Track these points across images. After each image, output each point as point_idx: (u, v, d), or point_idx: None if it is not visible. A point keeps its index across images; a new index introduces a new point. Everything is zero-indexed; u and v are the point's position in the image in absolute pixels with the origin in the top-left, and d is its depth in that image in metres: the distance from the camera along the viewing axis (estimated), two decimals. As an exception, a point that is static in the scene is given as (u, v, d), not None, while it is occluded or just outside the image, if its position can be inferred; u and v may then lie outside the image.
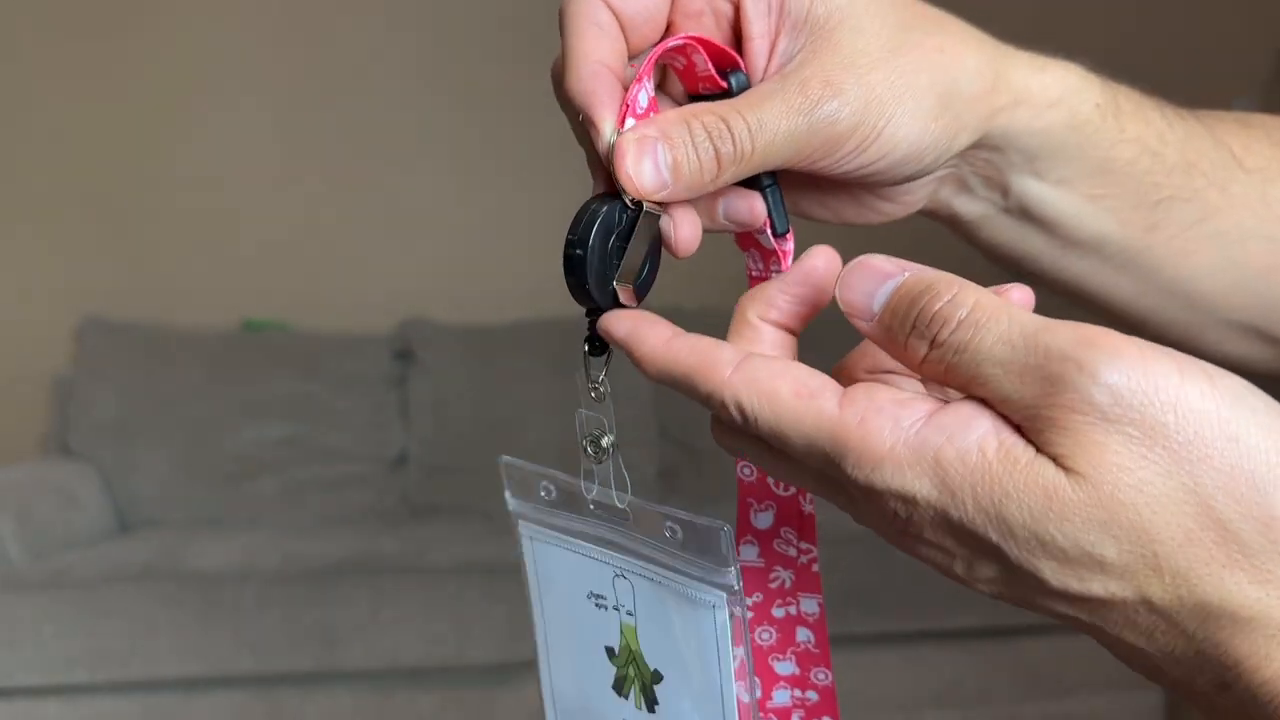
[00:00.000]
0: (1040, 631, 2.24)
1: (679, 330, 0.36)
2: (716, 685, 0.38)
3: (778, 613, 0.42)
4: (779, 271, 0.41)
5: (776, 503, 0.42)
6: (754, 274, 0.42)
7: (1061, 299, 0.48)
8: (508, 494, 0.43)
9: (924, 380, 0.36)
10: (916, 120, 0.38)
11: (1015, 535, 0.30)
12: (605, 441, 0.39)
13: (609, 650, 0.41)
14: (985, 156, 0.42)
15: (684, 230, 0.39)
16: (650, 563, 0.39)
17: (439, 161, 2.98)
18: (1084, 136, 0.42)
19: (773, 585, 0.42)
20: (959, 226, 0.46)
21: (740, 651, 0.41)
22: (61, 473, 2.50)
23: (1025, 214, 0.44)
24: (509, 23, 2.83)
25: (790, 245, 0.41)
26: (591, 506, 0.40)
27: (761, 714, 0.42)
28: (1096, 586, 0.30)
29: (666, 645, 0.39)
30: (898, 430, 0.31)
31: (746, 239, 0.42)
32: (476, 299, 2.94)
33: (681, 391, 0.35)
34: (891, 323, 0.33)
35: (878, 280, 0.33)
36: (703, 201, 0.40)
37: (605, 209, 0.37)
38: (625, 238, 0.37)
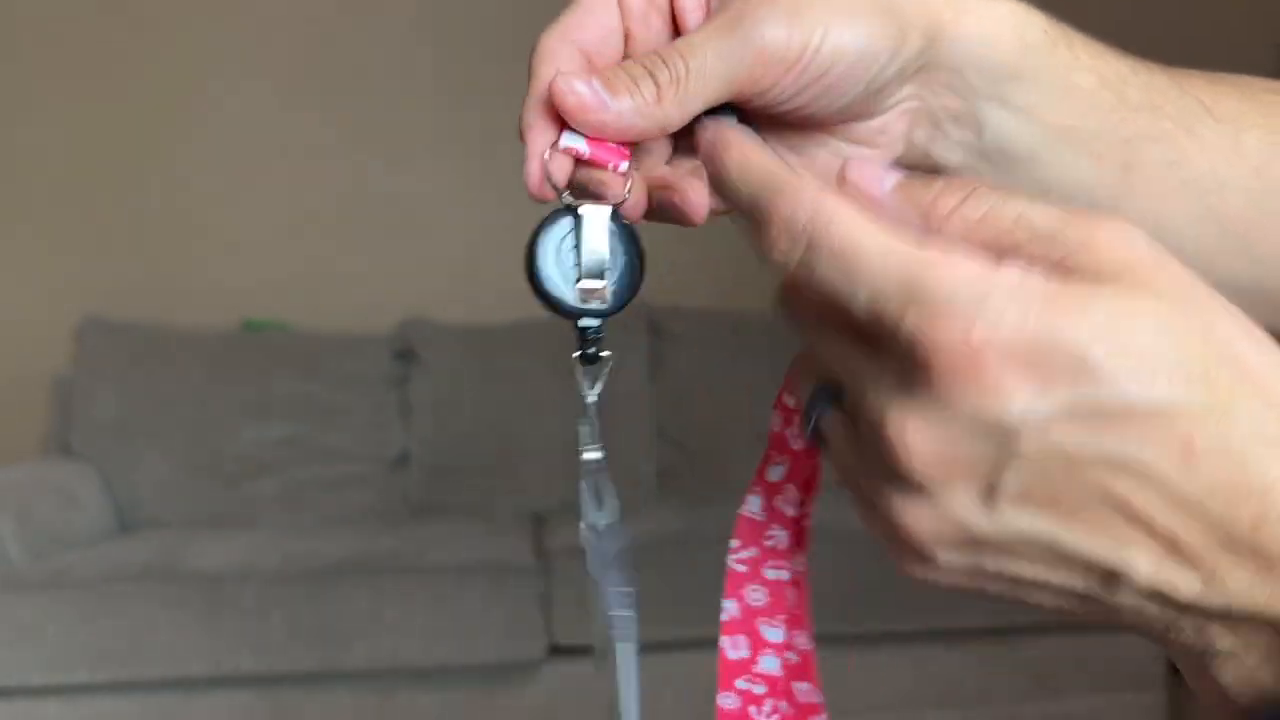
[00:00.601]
0: (1040, 631, 2.24)
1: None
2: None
3: (769, 574, 0.43)
4: None
5: (790, 458, 0.42)
6: None
7: None
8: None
9: None
10: (855, 26, 0.39)
11: (1096, 330, 0.30)
12: (586, 455, 0.41)
13: None
14: (945, 80, 0.42)
15: (692, 196, 0.41)
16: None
17: (439, 161, 2.99)
18: (1039, 59, 0.42)
19: (768, 544, 0.43)
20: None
21: (731, 605, 0.42)
22: (62, 473, 2.50)
23: (1003, 155, 0.44)
24: (510, 22, 2.83)
25: None
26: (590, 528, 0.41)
27: (749, 677, 0.43)
28: (1162, 387, 0.30)
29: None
30: (976, 261, 0.32)
31: None
32: (477, 299, 2.94)
33: (755, 204, 0.35)
34: (912, 184, 0.34)
35: (886, 168, 0.35)
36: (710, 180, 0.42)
37: (548, 220, 0.40)
38: (577, 241, 0.40)
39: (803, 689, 0.43)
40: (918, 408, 0.31)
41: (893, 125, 0.44)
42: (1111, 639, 2.25)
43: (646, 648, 0.38)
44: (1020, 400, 0.30)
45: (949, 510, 0.32)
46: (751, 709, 0.43)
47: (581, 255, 0.39)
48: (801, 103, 0.41)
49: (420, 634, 2.10)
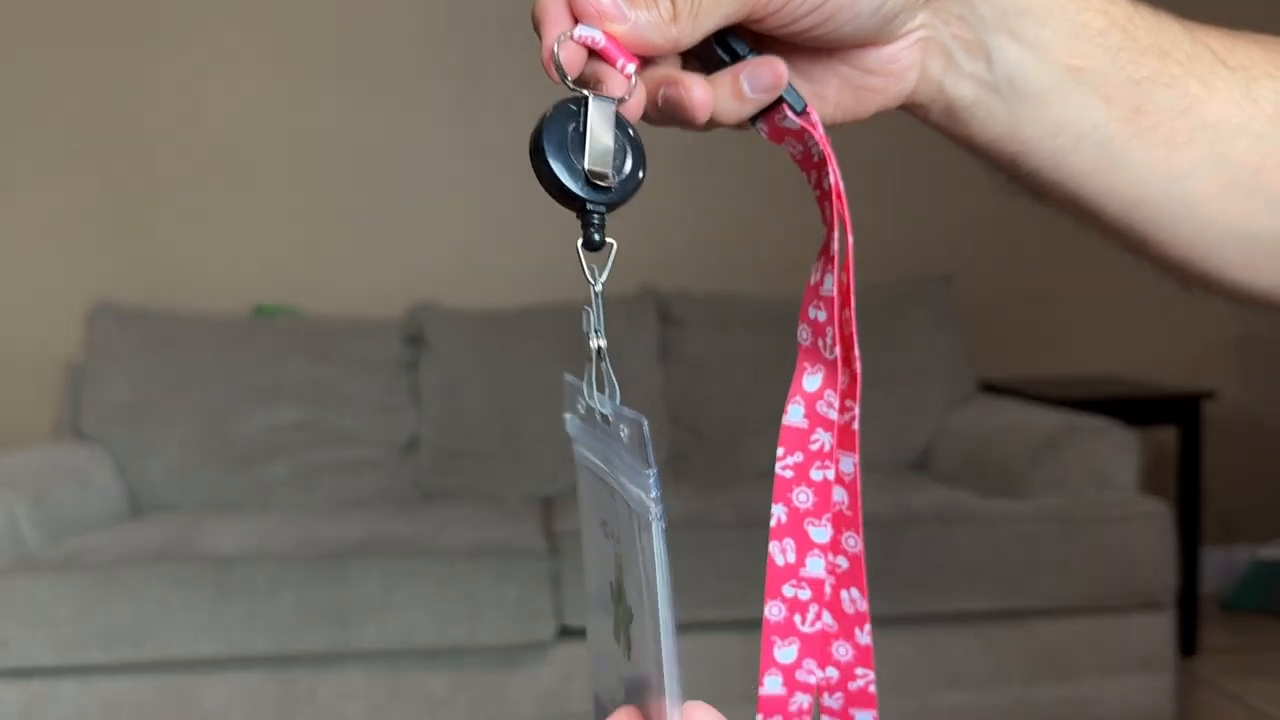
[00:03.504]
0: (1051, 615, 2.24)
1: None
2: (656, 609, 0.35)
3: (816, 475, 0.43)
4: (815, 145, 0.42)
5: (825, 366, 0.43)
6: (796, 156, 0.44)
7: (1066, 214, 0.48)
8: (567, 415, 0.43)
9: None
10: None
11: None
12: (593, 344, 0.40)
13: (611, 587, 0.39)
14: (957, 12, 0.43)
15: (696, 93, 0.41)
16: (624, 476, 0.37)
17: (450, 146, 2.98)
18: None
19: (813, 448, 0.43)
20: (955, 119, 0.46)
21: (779, 510, 0.42)
22: (75, 456, 2.52)
23: (1013, 89, 0.44)
24: (522, 6, 2.82)
25: (816, 118, 0.43)
26: (599, 416, 0.40)
27: (795, 581, 0.43)
28: None
29: (633, 573, 0.37)
30: None
31: (776, 133, 0.44)
32: (487, 284, 2.95)
33: None
34: None
35: None
36: (727, 86, 0.42)
37: (554, 109, 0.39)
38: (583, 128, 0.39)
39: (851, 596, 0.43)
40: None
41: (904, 54, 0.44)
42: (1122, 621, 2.25)
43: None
44: None
45: None
46: (796, 617, 0.43)
47: (588, 142, 0.39)
48: (812, 24, 0.41)
49: (431, 616, 2.11)
